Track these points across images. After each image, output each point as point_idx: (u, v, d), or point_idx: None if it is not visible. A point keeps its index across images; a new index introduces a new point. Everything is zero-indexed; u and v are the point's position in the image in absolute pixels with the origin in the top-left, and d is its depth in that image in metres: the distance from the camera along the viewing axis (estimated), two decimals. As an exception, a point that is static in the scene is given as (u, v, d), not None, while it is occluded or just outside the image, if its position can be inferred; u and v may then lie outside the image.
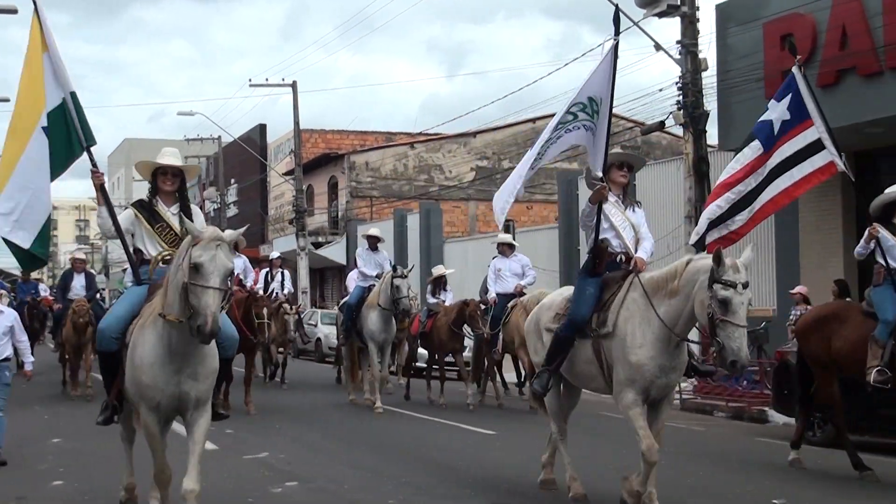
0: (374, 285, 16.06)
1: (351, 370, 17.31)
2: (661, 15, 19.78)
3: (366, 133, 49.67)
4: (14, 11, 23.35)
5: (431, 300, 17.32)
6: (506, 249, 16.50)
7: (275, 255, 21.64)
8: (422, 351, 18.07)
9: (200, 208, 9.54)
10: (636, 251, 8.24)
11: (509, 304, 15.72)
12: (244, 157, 49.41)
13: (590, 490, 8.40)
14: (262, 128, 53.13)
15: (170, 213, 7.47)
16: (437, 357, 17.01)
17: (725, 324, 7.05)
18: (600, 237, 8.24)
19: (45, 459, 10.33)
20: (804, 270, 18.75)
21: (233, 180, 54.17)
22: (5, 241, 7.76)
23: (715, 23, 19.70)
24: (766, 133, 10.73)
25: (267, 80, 38.88)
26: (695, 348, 9.01)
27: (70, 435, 11.95)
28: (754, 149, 10.75)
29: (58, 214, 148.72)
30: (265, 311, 15.43)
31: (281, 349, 19.49)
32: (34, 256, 7.77)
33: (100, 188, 7.60)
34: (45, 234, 7.76)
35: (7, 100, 26.15)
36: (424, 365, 17.96)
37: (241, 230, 6.80)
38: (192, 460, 6.56)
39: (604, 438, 12.23)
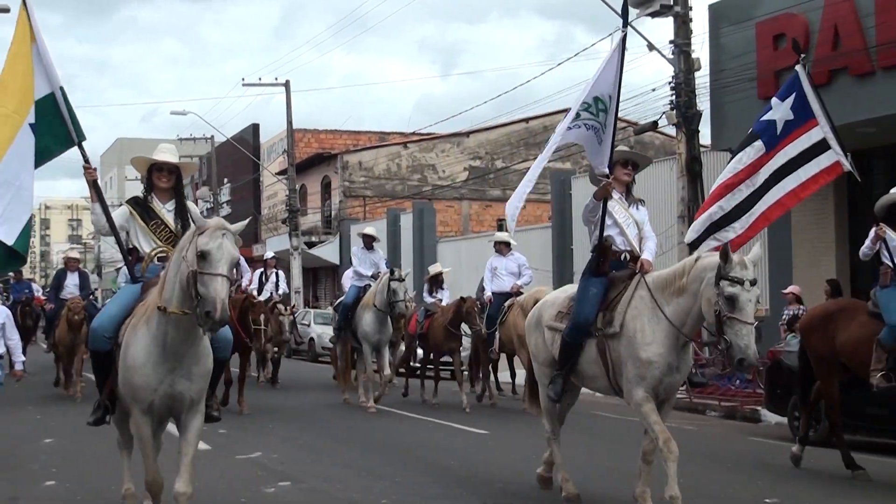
0: (369, 285, 16.00)
1: (344, 370, 17.28)
2: (654, 15, 19.79)
3: (359, 133, 49.67)
4: (6, 10, 23.38)
5: (429, 299, 17.21)
6: (503, 248, 16.46)
7: (269, 255, 21.59)
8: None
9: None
10: (640, 250, 8.19)
11: (506, 304, 15.68)
12: (237, 157, 49.37)
13: (583, 490, 8.40)
14: (255, 127, 53.11)
15: (165, 210, 7.36)
16: (432, 357, 16.97)
17: (733, 321, 6.97)
18: (604, 235, 8.15)
19: (37, 459, 10.30)
20: (796, 270, 18.78)
21: (226, 180, 54.10)
22: None
23: (708, 23, 19.73)
24: (769, 133, 10.58)
25: (260, 79, 38.92)
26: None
27: (62, 435, 11.92)
28: (756, 149, 10.60)
29: (50, 214, 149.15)
30: (262, 317, 15.39)
31: (276, 349, 19.43)
32: (14, 253, 7.62)
33: (93, 184, 7.50)
34: (27, 232, 7.65)
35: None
36: (418, 364, 17.92)
37: (244, 222, 6.70)
38: (184, 462, 6.49)
39: (598, 438, 12.24)
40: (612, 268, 8.11)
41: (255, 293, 18.10)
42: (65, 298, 17.27)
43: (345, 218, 42.49)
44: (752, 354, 6.96)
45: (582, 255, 26.56)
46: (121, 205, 7.72)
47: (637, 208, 8.42)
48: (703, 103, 19.85)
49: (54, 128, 7.70)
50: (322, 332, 28.80)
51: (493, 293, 16.07)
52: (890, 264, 9.71)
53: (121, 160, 76.07)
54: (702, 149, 20.62)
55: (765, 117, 10.78)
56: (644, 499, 7.65)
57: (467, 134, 43.57)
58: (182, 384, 6.44)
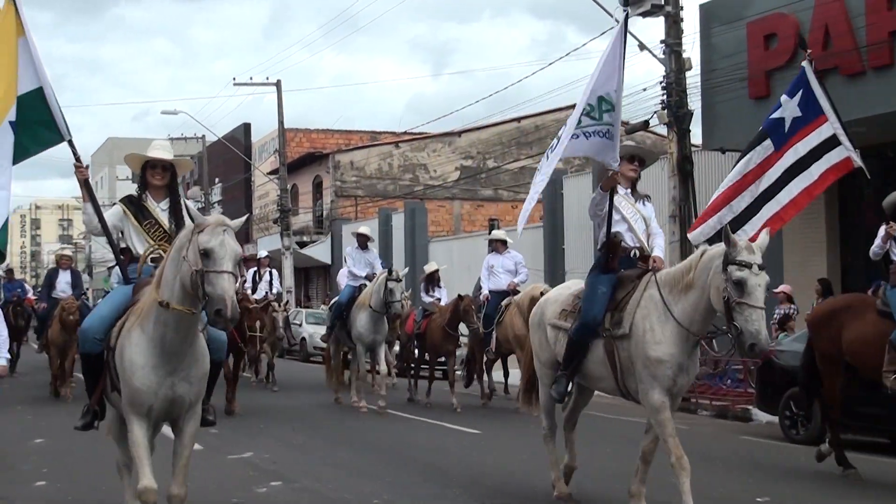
0: (365, 285, 15.87)
1: (336, 370, 17.18)
2: (645, 14, 19.80)
3: (350, 132, 49.63)
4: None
5: (426, 299, 17.10)
6: (499, 246, 16.42)
7: (262, 254, 21.50)
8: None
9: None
10: (650, 246, 8.05)
11: (503, 303, 15.63)
12: (228, 157, 49.29)
13: (576, 489, 8.40)
14: (246, 127, 53.05)
15: (159, 209, 7.17)
16: (426, 357, 16.91)
17: (742, 306, 6.81)
18: (613, 230, 7.97)
19: (28, 460, 10.28)
20: (787, 269, 18.82)
21: (217, 180, 54.03)
22: None
23: (699, 22, 19.76)
24: (778, 131, 10.46)
25: (251, 79, 38.80)
26: None
27: (53, 435, 11.88)
28: (765, 148, 10.48)
29: (41, 214, 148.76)
30: (258, 324, 15.30)
31: (270, 349, 19.34)
32: None
33: (84, 183, 7.36)
34: (5, 230, 7.52)
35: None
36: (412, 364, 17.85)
37: (243, 219, 6.56)
38: (179, 464, 6.39)
39: (592, 438, 12.22)
40: (621, 265, 7.91)
41: (248, 292, 18.02)
42: (57, 298, 17.17)
43: (336, 218, 42.48)
44: (763, 339, 6.81)
45: (573, 254, 26.64)
46: (113, 205, 7.54)
47: (644, 204, 8.24)
48: (695, 103, 19.89)
49: (42, 122, 7.52)
50: (314, 332, 28.77)
51: (490, 291, 16.02)
52: None
53: (112, 160, 75.80)
54: (693, 148, 20.64)
55: (774, 115, 10.64)
56: (639, 497, 7.62)
57: (459, 133, 43.59)
58: (182, 387, 6.24)
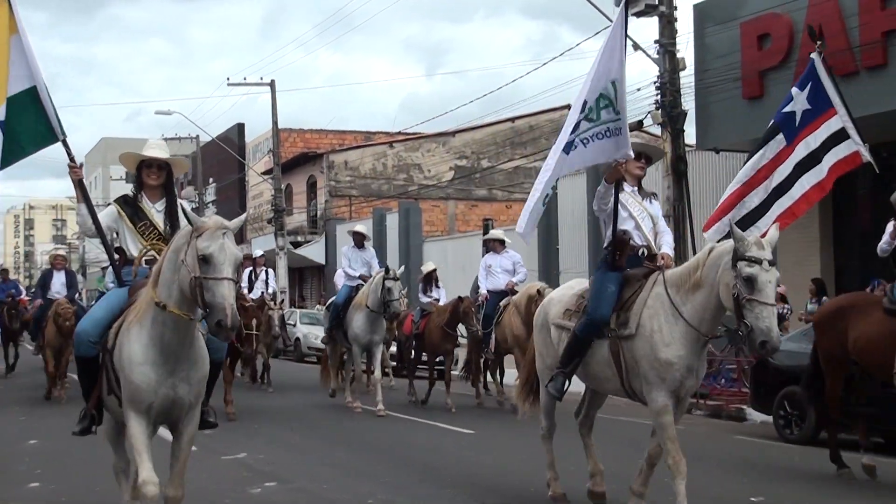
0: (361, 284, 15.72)
1: (334, 370, 17.04)
2: (639, 14, 19.82)
3: (344, 132, 49.61)
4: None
5: (424, 299, 17.00)
6: (497, 246, 16.32)
7: (258, 253, 21.43)
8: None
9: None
10: (657, 244, 7.85)
11: (501, 304, 15.57)
12: (222, 157, 49.26)
13: (569, 489, 8.40)
14: (240, 127, 53.01)
15: (154, 209, 7.04)
16: (423, 357, 16.85)
17: (752, 303, 6.65)
18: (620, 228, 7.81)
19: (21, 461, 10.25)
20: (781, 269, 18.60)
21: (211, 180, 53.99)
22: None
23: (693, 22, 19.80)
24: (789, 125, 10.34)
25: (245, 79, 38.85)
26: None
27: (47, 437, 11.85)
28: (778, 142, 10.32)
29: (34, 214, 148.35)
30: (254, 322, 15.25)
31: (266, 349, 19.32)
32: None
33: (78, 183, 7.25)
34: None
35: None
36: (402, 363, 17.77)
37: (242, 218, 6.43)
38: (177, 466, 6.32)
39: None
40: (628, 263, 7.75)
41: (245, 291, 17.98)
42: (52, 298, 17.12)
43: (330, 218, 42.46)
44: (774, 337, 6.66)
45: (567, 254, 26.65)
46: (107, 205, 7.42)
47: (651, 202, 8.06)
48: (688, 103, 19.94)
49: (35, 123, 7.38)
50: (308, 332, 28.77)
51: (488, 291, 15.94)
52: None
53: (105, 160, 75.69)
54: (687, 148, 20.67)
55: (785, 109, 10.51)
56: (640, 497, 7.58)
57: (453, 133, 43.59)
58: (182, 388, 6.12)
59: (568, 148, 7.78)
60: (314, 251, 42.77)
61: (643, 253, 7.82)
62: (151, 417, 6.17)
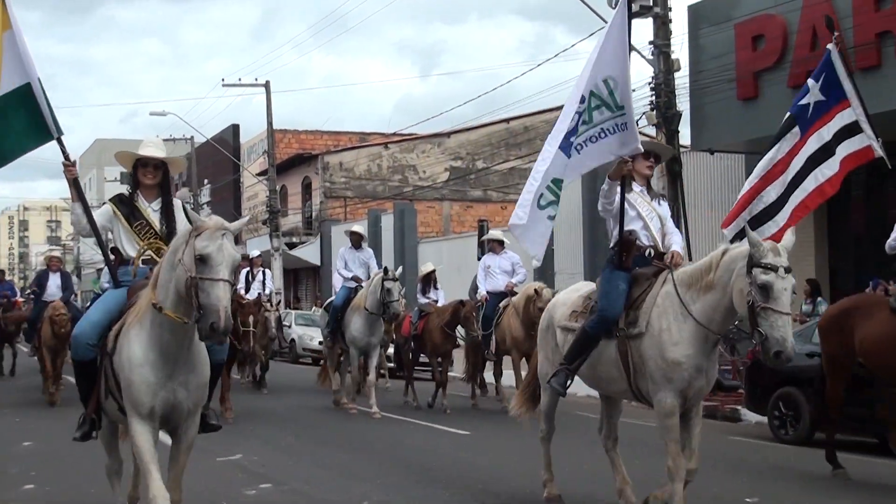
0: (360, 286, 15.60)
1: (332, 372, 16.96)
2: (633, 15, 19.81)
3: (339, 133, 49.58)
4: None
5: (423, 300, 16.90)
6: (496, 246, 16.27)
7: (255, 253, 21.36)
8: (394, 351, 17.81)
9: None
10: (666, 245, 7.69)
11: (500, 305, 15.51)
12: (217, 158, 49.20)
13: (564, 490, 8.40)
14: (235, 128, 52.97)
15: (150, 209, 6.97)
16: (422, 359, 16.79)
17: (767, 311, 6.46)
18: (628, 228, 7.67)
19: (16, 463, 10.23)
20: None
21: (206, 181, 53.94)
22: None
23: (687, 23, 19.80)
24: (803, 117, 10.21)
25: (240, 79, 38.74)
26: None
27: (41, 438, 11.85)
28: (794, 135, 10.14)
29: (29, 215, 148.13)
30: (251, 318, 15.21)
31: (262, 351, 19.30)
32: None
33: (73, 182, 7.15)
34: None
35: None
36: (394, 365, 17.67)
37: (243, 221, 6.35)
38: (175, 470, 6.28)
39: (584, 439, 12.24)
40: (634, 264, 7.62)
41: (241, 292, 17.94)
42: (47, 301, 17.07)
43: (326, 219, 42.45)
44: (789, 347, 6.45)
45: (563, 255, 26.64)
46: (102, 204, 7.32)
47: (659, 203, 7.98)
48: (683, 104, 19.94)
49: (29, 121, 7.30)
50: (303, 334, 28.76)
51: (487, 292, 15.85)
52: None
53: (100, 161, 75.55)
54: (682, 149, 20.69)
55: (801, 101, 10.37)
56: (629, 498, 7.57)
57: (448, 134, 43.60)
58: (181, 393, 6.03)
59: (567, 149, 7.69)
60: (309, 252, 42.75)
61: (650, 253, 7.68)
62: (156, 424, 6.06)
